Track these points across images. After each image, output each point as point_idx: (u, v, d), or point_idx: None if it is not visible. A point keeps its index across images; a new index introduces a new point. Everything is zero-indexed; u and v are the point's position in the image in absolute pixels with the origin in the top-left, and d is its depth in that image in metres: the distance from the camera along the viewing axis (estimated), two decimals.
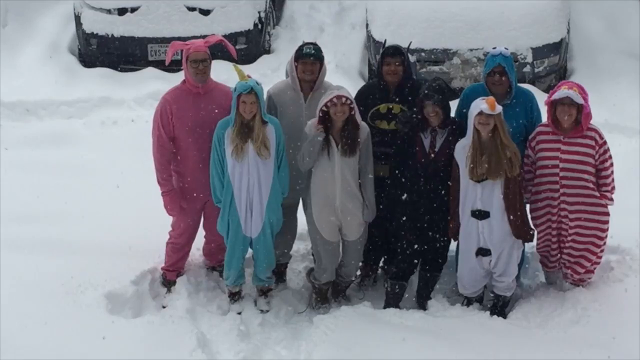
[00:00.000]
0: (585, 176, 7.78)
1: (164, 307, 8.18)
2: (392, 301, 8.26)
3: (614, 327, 7.71)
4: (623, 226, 8.50)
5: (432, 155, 7.89)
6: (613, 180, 7.89)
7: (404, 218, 8.02)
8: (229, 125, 7.79)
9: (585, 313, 7.86)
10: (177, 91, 8.06)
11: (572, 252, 8.00)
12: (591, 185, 7.80)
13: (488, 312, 8.05)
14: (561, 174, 7.83)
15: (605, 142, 7.79)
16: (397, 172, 8.02)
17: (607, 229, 7.96)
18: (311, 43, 8.16)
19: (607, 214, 7.89)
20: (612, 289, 8.14)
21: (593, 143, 7.74)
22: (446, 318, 8.02)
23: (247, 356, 7.68)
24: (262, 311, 8.28)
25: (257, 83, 7.69)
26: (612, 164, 7.84)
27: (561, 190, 7.86)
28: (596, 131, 7.78)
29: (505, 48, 7.98)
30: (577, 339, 7.62)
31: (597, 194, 7.82)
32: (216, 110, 7.93)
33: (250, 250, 8.22)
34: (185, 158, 8.08)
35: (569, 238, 7.97)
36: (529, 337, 7.73)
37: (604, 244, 8.03)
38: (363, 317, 7.98)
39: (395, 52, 8.10)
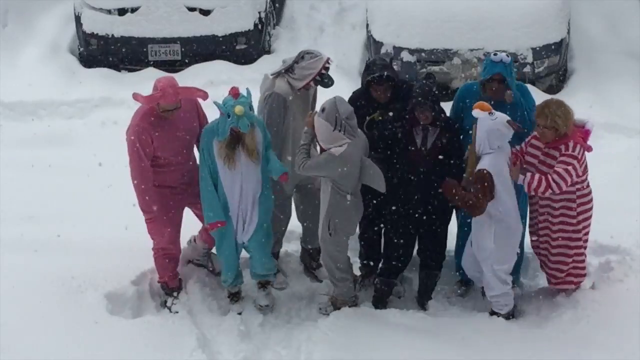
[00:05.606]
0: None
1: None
2: (380, 298, 8.27)
3: (614, 327, 7.72)
4: (623, 226, 8.50)
5: (424, 152, 7.90)
6: (553, 181, 7.53)
7: (398, 215, 8.03)
8: (215, 134, 7.71)
9: (585, 313, 7.86)
10: (150, 116, 7.83)
11: (548, 255, 8.00)
12: (560, 197, 7.73)
13: (488, 312, 8.07)
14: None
15: (570, 156, 7.55)
16: (390, 167, 7.99)
17: (577, 238, 7.89)
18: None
19: (574, 224, 7.82)
20: (612, 289, 8.14)
21: (557, 154, 7.62)
22: (446, 318, 8.03)
23: (247, 356, 7.68)
24: (261, 306, 8.26)
25: (247, 95, 7.62)
26: (564, 170, 7.52)
27: (537, 196, 7.86)
28: (567, 145, 7.58)
29: (507, 55, 7.83)
30: (577, 339, 7.62)
31: (572, 204, 7.75)
32: (191, 121, 7.93)
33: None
34: (165, 171, 7.99)
35: (542, 245, 8.00)
36: (529, 337, 7.74)
37: (580, 252, 7.96)
38: (363, 317, 7.99)
39: (382, 81, 7.93)
